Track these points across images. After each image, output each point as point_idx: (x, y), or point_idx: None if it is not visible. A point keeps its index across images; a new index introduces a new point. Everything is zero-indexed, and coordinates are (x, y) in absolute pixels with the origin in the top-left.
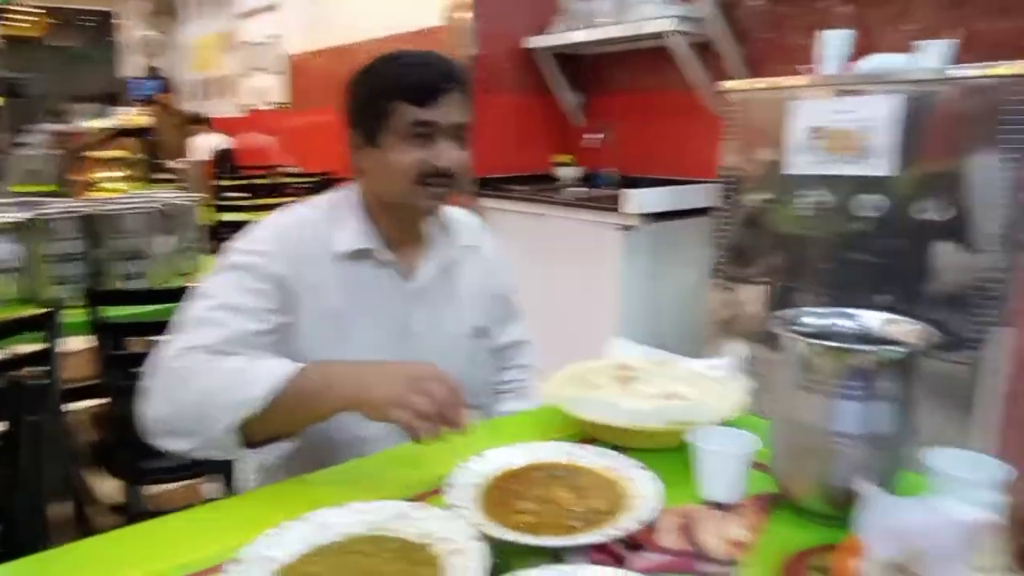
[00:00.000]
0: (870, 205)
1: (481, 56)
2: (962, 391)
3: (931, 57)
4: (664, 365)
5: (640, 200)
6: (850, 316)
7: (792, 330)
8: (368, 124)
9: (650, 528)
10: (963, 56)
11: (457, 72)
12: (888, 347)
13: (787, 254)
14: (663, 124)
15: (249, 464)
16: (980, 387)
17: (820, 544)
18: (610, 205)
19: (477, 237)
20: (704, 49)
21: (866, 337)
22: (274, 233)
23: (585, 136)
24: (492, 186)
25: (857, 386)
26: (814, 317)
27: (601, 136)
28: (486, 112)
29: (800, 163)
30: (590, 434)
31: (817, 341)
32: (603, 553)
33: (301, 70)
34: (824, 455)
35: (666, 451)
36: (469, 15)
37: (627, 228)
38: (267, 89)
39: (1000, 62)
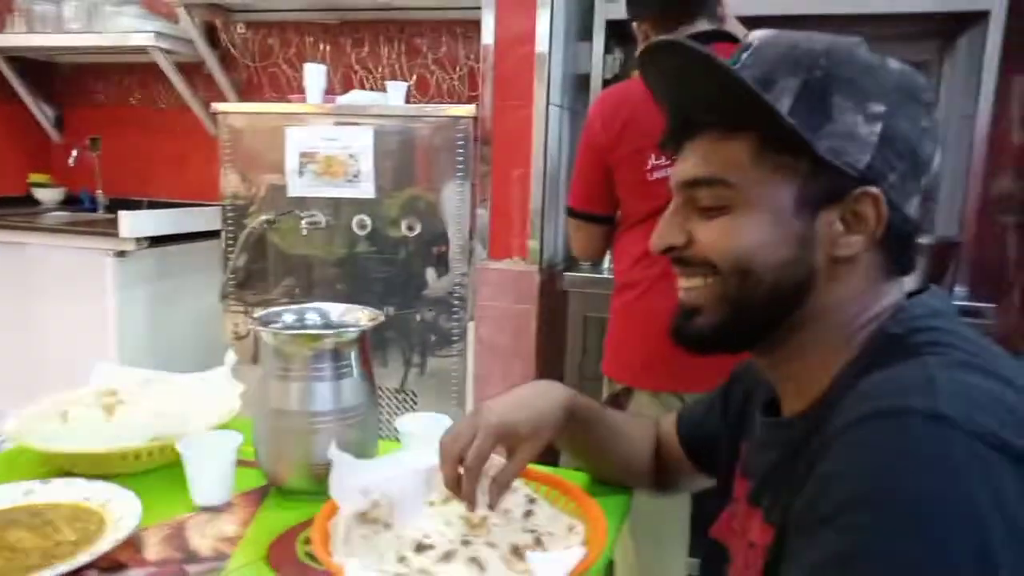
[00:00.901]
0: (363, 224)
1: None
2: (459, 381)
3: (395, 96)
4: (152, 384)
5: (137, 224)
6: (318, 310)
7: (266, 324)
8: None
9: (134, 546)
10: (420, 97)
11: None
12: (344, 329)
13: (296, 273)
14: (159, 144)
15: None
16: (466, 372)
17: (307, 519)
18: (103, 229)
19: None
20: (195, 70)
21: (329, 325)
22: None
23: (73, 153)
24: None
25: (325, 367)
26: (289, 315)
27: (89, 154)
28: None
29: (299, 186)
30: (67, 469)
31: (284, 331)
32: None
33: None
34: (304, 437)
35: (164, 468)
36: None
37: (122, 254)
38: None
39: (449, 105)
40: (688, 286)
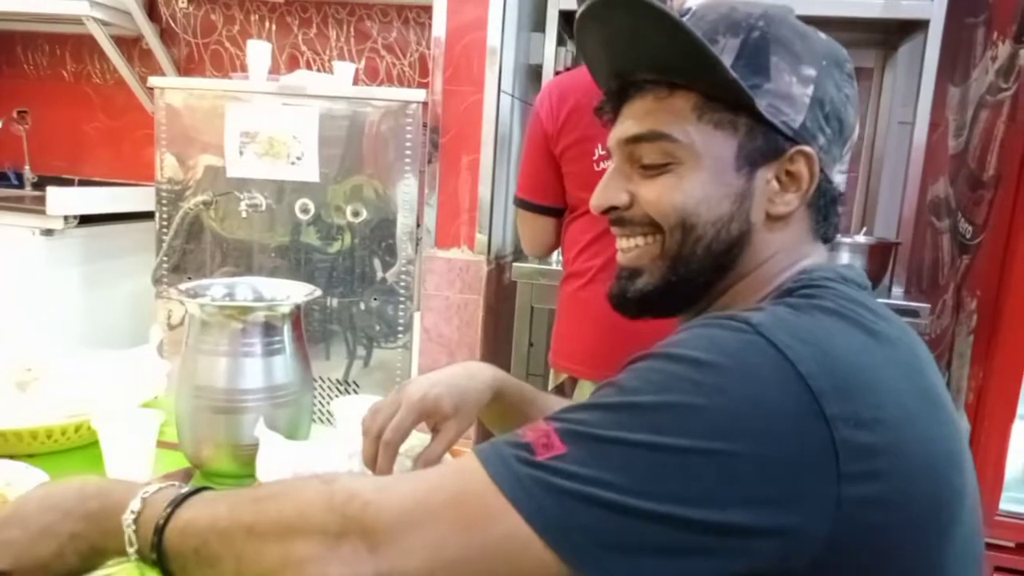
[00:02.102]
0: (305, 208)
1: None
2: (403, 373)
3: (343, 78)
4: (71, 361)
5: (65, 201)
6: (250, 285)
7: (193, 296)
8: None
9: None
10: (369, 82)
11: None
12: (276, 302)
13: (235, 258)
14: (92, 119)
15: None
16: (411, 364)
17: None
18: (29, 206)
19: None
20: (133, 44)
21: (260, 299)
22: None
23: None
24: None
25: (255, 343)
26: (219, 288)
27: (16, 127)
28: None
29: (239, 167)
30: None
31: (212, 303)
32: None
33: None
34: (230, 416)
35: (81, 449)
36: None
37: (49, 232)
38: None
39: (396, 88)
40: (628, 246)
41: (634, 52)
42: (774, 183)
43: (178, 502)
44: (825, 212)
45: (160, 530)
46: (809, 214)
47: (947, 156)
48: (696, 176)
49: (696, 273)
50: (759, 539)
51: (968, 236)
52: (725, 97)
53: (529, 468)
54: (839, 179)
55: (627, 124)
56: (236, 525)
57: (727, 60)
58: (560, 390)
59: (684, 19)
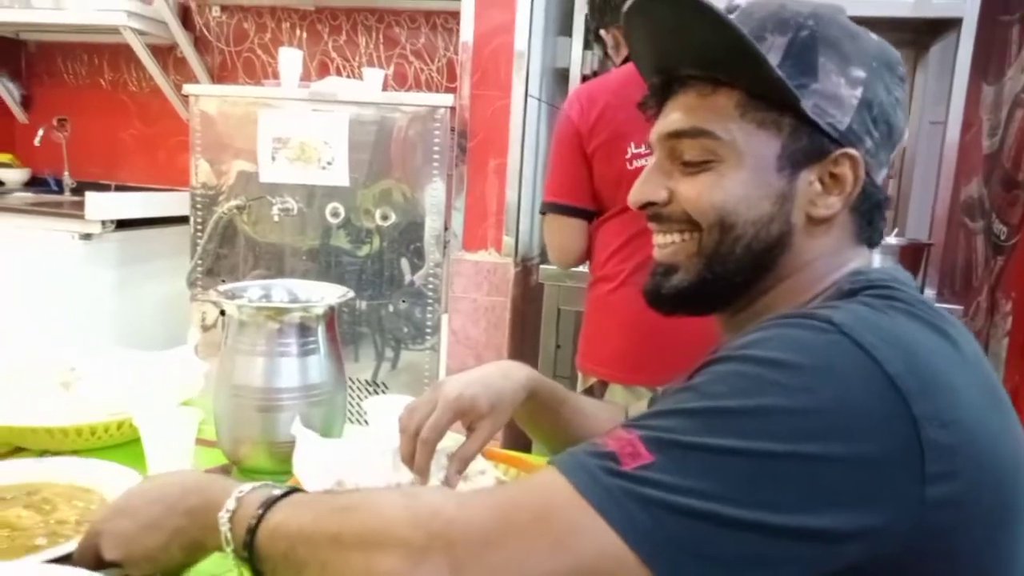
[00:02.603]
0: (336, 212)
1: None
2: (431, 375)
3: (372, 84)
4: (112, 361)
5: (103, 206)
6: (285, 287)
7: (231, 298)
8: None
9: None
10: (398, 88)
11: None
12: (310, 303)
13: (267, 261)
14: (129, 127)
15: None
16: (439, 366)
17: None
18: (68, 211)
19: None
20: (168, 52)
21: (296, 300)
22: None
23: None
24: None
25: (290, 343)
26: (255, 289)
27: (56, 135)
28: None
29: (271, 172)
30: (18, 444)
31: (249, 304)
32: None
33: None
34: (267, 414)
35: (122, 446)
36: None
37: (87, 236)
38: None
39: (424, 93)
40: (664, 242)
41: (679, 47)
42: (817, 185)
43: (269, 504)
44: (869, 216)
45: (252, 530)
46: (852, 218)
47: (981, 156)
48: (737, 175)
49: (733, 272)
50: (848, 543)
51: (1003, 237)
52: (770, 96)
53: (617, 479)
54: (882, 183)
55: (670, 119)
56: (322, 533)
57: (774, 59)
58: (589, 393)
59: (732, 16)
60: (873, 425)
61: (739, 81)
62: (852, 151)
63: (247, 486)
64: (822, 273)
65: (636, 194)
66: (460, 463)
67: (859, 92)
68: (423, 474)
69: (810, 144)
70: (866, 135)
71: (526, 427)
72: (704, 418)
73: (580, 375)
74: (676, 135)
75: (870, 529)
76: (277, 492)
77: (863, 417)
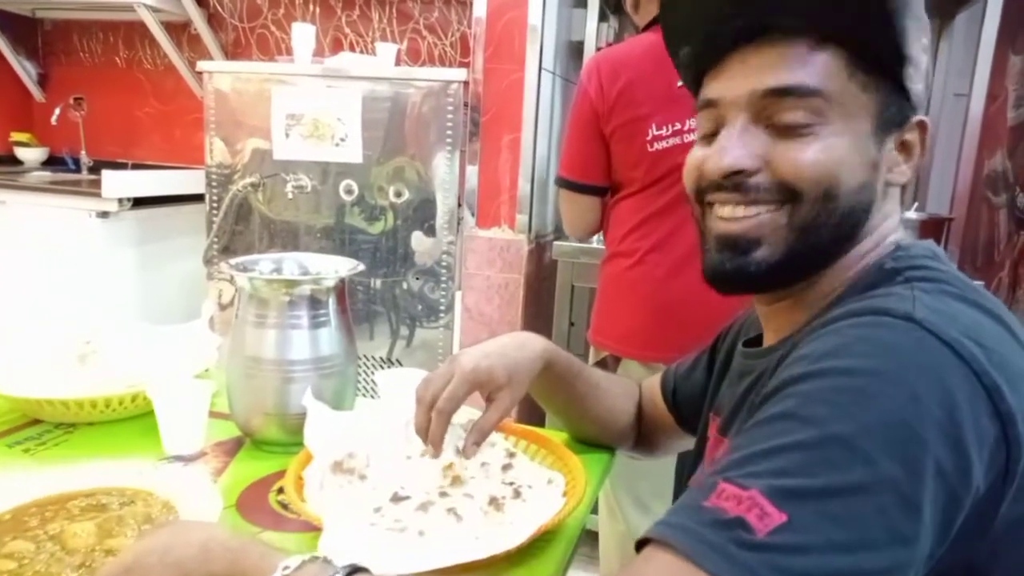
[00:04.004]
0: (349, 190)
1: None
2: (445, 352)
3: (385, 59)
4: (127, 334)
5: (120, 184)
6: (296, 260)
7: (243, 271)
8: None
9: None
10: (411, 63)
11: None
12: (321, 276)
13: (281, 238)
14: (144, 104)
15: None
16: (453, 343)
17: (280, 470)
18: (86, 189)
19: None
20: (182, 29)
21: (306, 273)
22: None
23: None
24: None
25: (301, 315)
26: (267, 263)
27: (73, 114)
28: None
29: (285, 149)
30: (35, 415)
31: (260, 276)
32: None
33: None
34: (279, 386)
35: (136, 418)
36: None
37: (104, 214)
38: None
39: (437, 68)
40: (745, 214)
41: None
42: (894, 152)
43: None
44: (914, 183)
45: None
46: (903, 186)
47: (1006, 128)
48: (841, 141)
49: (827, 244)
50: (949, 556)
51: None
52: (879, 58)
53: (756, 552)
54: None
55: (764, 75)
56: None
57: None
58: (602, 365)
59: None
60: (972, 425)
61: (850, 39)
62: (925, 118)
63: (294, 560)
64: (873, 244)
65: (723, 161)
66: (479, 434)
67: (926, 59)
68: (436, 445)
69: (899, 110)
70: (928, 101)
71: (540, 399)
72: (819, 451)
73: (592, 349)
74: (779, 93)
75: (961, 534)
76: (338, 574)
77: (965, 418)
